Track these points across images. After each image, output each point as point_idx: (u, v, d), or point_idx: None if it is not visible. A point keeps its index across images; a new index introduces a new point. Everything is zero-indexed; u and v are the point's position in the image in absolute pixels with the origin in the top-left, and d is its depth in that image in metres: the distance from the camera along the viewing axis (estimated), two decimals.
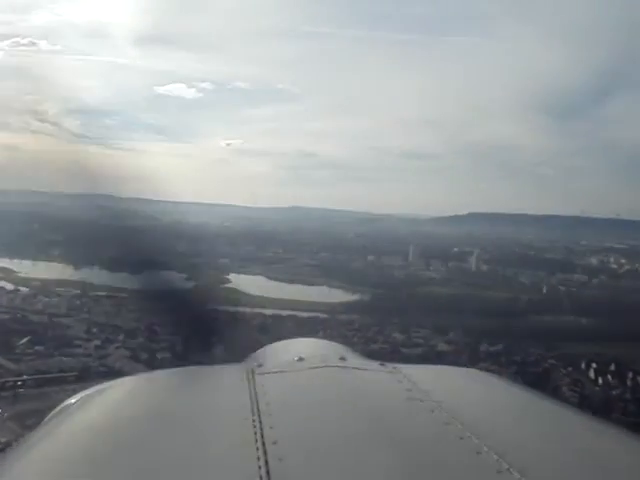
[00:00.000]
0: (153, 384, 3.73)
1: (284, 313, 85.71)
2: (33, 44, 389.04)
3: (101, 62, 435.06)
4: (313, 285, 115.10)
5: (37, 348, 57.48)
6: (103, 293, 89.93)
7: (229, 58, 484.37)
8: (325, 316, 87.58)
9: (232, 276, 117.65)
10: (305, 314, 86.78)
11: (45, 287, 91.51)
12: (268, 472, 2.15)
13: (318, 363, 3.63)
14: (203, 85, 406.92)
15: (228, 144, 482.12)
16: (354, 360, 4.05)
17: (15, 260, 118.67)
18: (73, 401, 3.57)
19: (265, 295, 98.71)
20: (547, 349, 75.12)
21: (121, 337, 62.58)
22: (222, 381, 3.46)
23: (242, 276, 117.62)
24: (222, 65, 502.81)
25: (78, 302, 75.02)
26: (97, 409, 3.23)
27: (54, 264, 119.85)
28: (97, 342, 61.86)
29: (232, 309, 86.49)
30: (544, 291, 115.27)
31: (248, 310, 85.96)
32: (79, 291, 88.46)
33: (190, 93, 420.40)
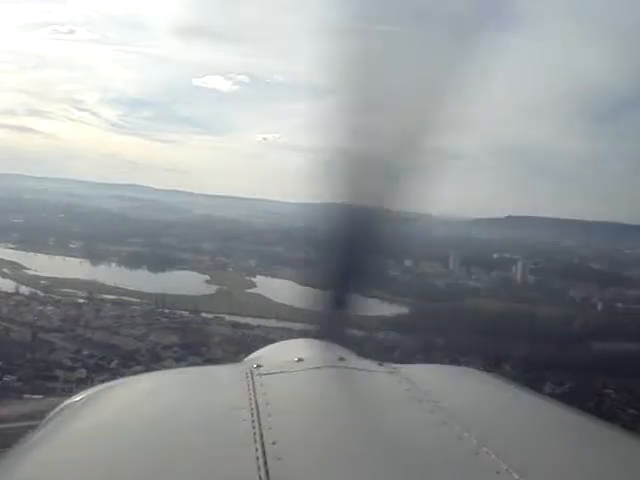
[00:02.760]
0: (153, 384, 3.53)
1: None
2: (72, 32, 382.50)
3: (139, 53, 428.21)
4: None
5: (6, 379, 44.64)
6: (112, 297, 78.01)
7: (266, 51, 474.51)
8: (361, 334, 74.15)
9: (259, 279, 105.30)
10: None
11: (50, 288, 79.76)
12: (267, 472, 2.11)
13: (317, 363, 3.46)
14: (240, 78, 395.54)
15: (264, 138, 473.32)
16: (353, 360, 3.83)
17: (30, 253, 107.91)
18: (73, 401, 3.39)
19: (293, 304, 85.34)
20: (620, 389, 61.26)
21: (114, 364, 49.17)
22: (221, 381, 3.33)
23: (269, 279, 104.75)
24: (259, 58, 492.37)
25: (74, 312, 62.08)
26: (97, 409, 3.13)
27: (70, 259, 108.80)
28: (82, 372, 48.34)
29: (254, 321, 74.57)
30: (599, 308, 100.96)
31: (272, 324, 72.87)
32: (86, 293, 76.50)
33: (227, 86, 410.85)
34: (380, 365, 3.55)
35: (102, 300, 74.55)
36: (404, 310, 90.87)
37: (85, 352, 52.02)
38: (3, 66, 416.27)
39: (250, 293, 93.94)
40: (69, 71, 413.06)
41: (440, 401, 2.84)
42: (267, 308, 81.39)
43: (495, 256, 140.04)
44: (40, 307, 64.34)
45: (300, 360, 3.53)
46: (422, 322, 79.01)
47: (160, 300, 75.56)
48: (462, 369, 4.26)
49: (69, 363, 49.24)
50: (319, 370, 3.35)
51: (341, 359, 3.65)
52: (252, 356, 4.61)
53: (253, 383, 3.05)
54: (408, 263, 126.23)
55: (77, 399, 3.42)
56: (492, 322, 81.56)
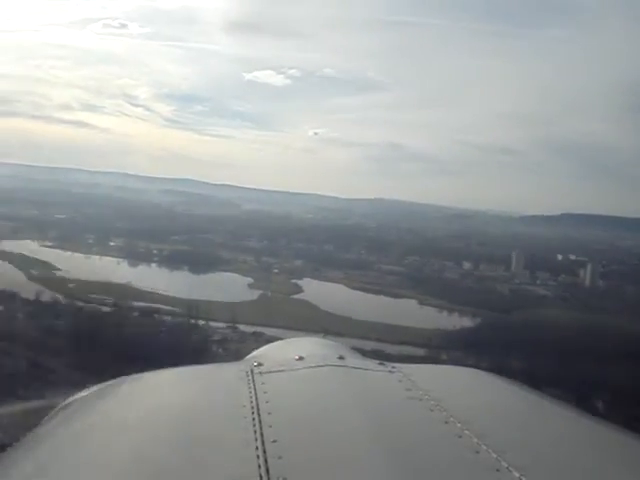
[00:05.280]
0: (153, 383, 3.48)
1: (367, 346, 59.74)
2: (124, 26, 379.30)
3: (191, 48, 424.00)
4: (401, 298, 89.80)
5: None
6: (142, 304, 67.92)
7: (318, 46, 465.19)
8: (420, 353, 62.42)
9: (306, 282, 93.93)
10: (394, 349, 61.88)
11: (76, 293, 69.84)
12: (268, 471, 2.08)
13: (318, 362, 3.41)
14: (291, 72, 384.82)
15: (315, 133, 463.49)
16: (354, 359, 3.77)
17: (68, 252, 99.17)
18: (74, 400, 3.36)
19: (342, 314, 73.82)
20: None
21: None
22: (221, 380, 3.26)
23: (317, 283, 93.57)
24: (311, 52, 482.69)
25: (91, 328, 51.27)
26: (97, 408, 3.11)
27: (108, 259, 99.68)
28: None
29: (298, 336, 63.07)
30: None
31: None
32: (112, 300, 66.64)
33: (278, 80, 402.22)
34: (380, 364, 3.45)
35: (130, 309, 64.57)
36: (467, 322, 78.33)
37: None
38: (58, 62, 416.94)
39: (296, 299, 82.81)
40: (122, 66, 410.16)
41: (440, 400, 2.77)
42: (314, 318, 70.21)
43: (559, 257, 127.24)
44: (49, 320, 53.42)
45: (301, 359, 3.45)
46: (490, 338, 66.43)
47: (194, 310, 65.30)
48: (462, 369, 3.78)
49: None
50: (319, 369, 3.27)
51: (341, 358, 3.53)
52: (253, 354, 4.29)
53: (253, 381, 3.00)
54: (467, 265, 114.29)
55: (78, 398, 3.32)
56: (571, 338, 68.93)
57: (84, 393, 3.36)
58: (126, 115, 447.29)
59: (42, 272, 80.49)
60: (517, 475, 2.09)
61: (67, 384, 39.16)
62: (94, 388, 3.40)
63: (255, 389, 2.86)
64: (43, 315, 54.77)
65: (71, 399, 3.35)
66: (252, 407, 2.62)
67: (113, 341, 47.24)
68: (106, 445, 2.47)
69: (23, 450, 2.66)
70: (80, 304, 64.41)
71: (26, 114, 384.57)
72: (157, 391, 3.22)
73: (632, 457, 2.58)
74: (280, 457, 2.15)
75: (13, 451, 2.64)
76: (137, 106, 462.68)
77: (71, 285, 74.26)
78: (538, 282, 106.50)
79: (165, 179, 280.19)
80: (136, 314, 62.03)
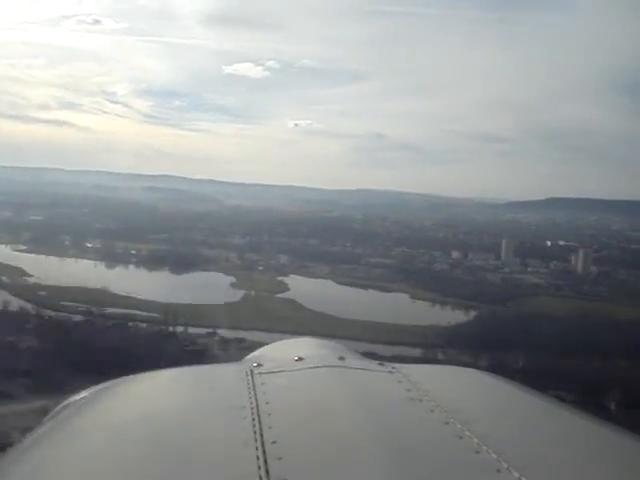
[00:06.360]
0: (153, 383, 3.44)
1: (359, 347, 54.84)
2: (97, 22, 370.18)
3: (168, 43, 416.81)
4: (391, 292, 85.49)
5: None
6: (118, 311, 63.03)
7: (296, 37, 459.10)
8: (416, 353, 58.28)
9: (292, 279, 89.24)
10: (388, 349, 57.64)
11: (47, 301, 64.81)
12: (267, 472, 2.08)
13: (317, 363, 3.38)
14: (270, 64, 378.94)
15: (296, 125, 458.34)
16: (353, 360, 3.72)
17: (41, 256, 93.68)
18: (73, 401, 3.31)
19: (331, 313, 69.33)
20: None
21: None
22: (221, 380, 3.22)
23: (304, 280, 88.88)
24: (289, 44, 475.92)
25: (57, 342, 46.12)
26: (97, 408, 3.07)
27: (84, 261, 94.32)
28: None
29: (279, 337, 58.16)
30: None
31: None
32: (85, 308, 61.82)
33: (257, 72, 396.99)
34: (380, 365, 3.41)
35: (104, 317, 59.59)
36: (461, 316, 74.08)
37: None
38: (33, 60, 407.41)
39: (281, 299, 78.01)
40: (99, 63, 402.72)
41: (440, 401, 2.73)
42: (302, 319, 65.64)
43: (549, 243, 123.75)
44: (12, 338, 47.89)
45: (300, 359, 3.42)
46: (487, 334, 62.27)
47: (172, 315, 60.49)
48: (462, 369, 3.72)
49: None
50: (319, 369, 3.24)
51: (341, 358, 3.50)
52: (252, 355, 4.29)
53: (253, 382, 2.97)
54: (456, 255, 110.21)
55: (77, 398, 3.29)
56: (564, 328, 64.93)
57: (85, 392, 3.25)
58: (105, 112, 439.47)
59: (14, 279, 75.16)
60: (517, 476, 2.07)
61: (24, 408, 34.62)
62: (94, 388, 3.27)
63: (255, 390, 2.81)
64: (7, 328, 49.39)
65: (72, 398, 3.26)
66: (252, 408, 2.58)
67: (81, 356, 42.26)
68: (105, 446, 2.44)
69: (22, 451, 2.61)
70: (50, 313, 59.25)
71: (2, 114, 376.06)
72: (156, 391, 3.16)
73: (632, 457, 2.50)
74: (280, 458, 2.13)
75: (12, 452, 2.59)
76: (115, 103, 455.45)
77: (42, 292, 69.12)
78: (529, 270, 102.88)
79: (145, 176, 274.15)
80: (110, 323, 56.90)
